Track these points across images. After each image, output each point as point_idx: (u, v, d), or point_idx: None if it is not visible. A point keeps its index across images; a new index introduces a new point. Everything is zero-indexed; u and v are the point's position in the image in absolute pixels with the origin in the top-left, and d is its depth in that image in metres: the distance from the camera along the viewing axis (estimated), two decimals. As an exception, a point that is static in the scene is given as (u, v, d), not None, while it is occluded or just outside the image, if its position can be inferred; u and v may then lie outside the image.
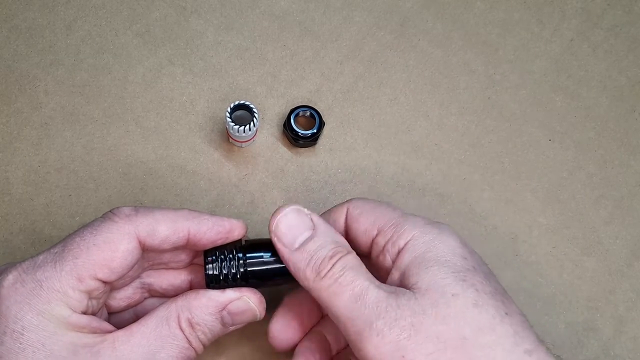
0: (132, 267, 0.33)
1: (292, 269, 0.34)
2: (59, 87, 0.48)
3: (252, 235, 0.44)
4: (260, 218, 0.45)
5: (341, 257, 0.32)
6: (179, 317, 0.33)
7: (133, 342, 0.32)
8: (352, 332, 0.30)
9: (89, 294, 0.32)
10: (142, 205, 0.45)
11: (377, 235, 0.34)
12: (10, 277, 0.31)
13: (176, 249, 0.35)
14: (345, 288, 0.31)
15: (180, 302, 0.34)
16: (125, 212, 0.33)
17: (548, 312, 0.44)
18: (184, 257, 0.38)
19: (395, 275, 0.33)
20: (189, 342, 0.33)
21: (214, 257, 0.35)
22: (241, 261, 0.35)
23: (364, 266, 0.33)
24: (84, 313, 0.32)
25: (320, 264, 0.32)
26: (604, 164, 0.49)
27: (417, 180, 0.47)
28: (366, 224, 0.35)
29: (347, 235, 0.36)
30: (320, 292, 0.32)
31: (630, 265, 0.46)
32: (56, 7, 0.50)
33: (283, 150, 0.48)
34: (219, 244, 0.35)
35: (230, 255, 0.35)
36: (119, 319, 0.37)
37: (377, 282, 0.32)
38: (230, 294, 0.34)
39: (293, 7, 0.52)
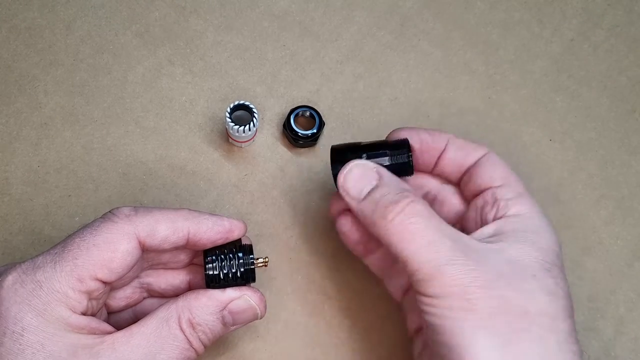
0: (132, 267, 0.33)
1: (361, 219, 0.34)
2: (58, 87, 0.48)
3: (252, 235, 0.44)
4: (260, 218, 0.45)
5: (409, 202, 0.33)
6: (179, 318, 0.33)
7: (133, 343, 0.31)
8: (420, 274, 0.31)
9: (89, 295, 0.32)
10: (141, 205, 0.45)
11: (499, 186, 0.36)
12: (10, 278, 0.31)
13: (176, 249, 0.35)
14: (417, 235, 0.32)
15: (181, 303, 0.33)
16: (125, 212, 0.33)
17: (549, 313, 0.44)
18: (183, 257, 0.38)
19: (489, 230, 0.34)
20: (190, 342, 0.33)
21: (213, 257, 0.35)
22: (241, 261, 0.35)
23: (435, 213, 0.33)
24: (84, 314, 0.32)
25: (386, 208, 0.33)
26: (604, 164, 0.49)
27: (417, 181, 0.47)
28: (495, 173, 0.37)
29: (473, 168, 0.38)
30: (389, 237, 0.33)
31: (631, 265, 0.46)
32: (56, 7, 0.50)
33: (283, 150, 0.47)
34: (219, 244, 0.35)
35: (230, 255, 0.35)
36: (118, 319, 0.37)
37: (450, 231, 0.33)
38: (230, 293, 0.34)
39: (293, 7, 0.52)
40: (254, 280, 0.36)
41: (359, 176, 0.35)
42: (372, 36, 0.52)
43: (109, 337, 0.31)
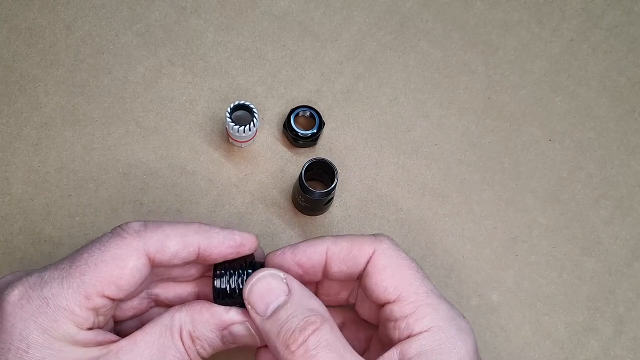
0: (141, 284, 0.33)
1: (265, 339, 0.32)
2: (59, 87, 0.48)
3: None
4: (260, 218, 0.45)
5: (315, 329, 0.30)
6: (181, 329, 0.33)
7: (136, 352, 0.31)
8: None
9: (96, 311, 0.31)
10: (142, 204, 0.45)
11: (394, 301, 0.33)
12: (16, 293, 0.30)
13: (186, 263, 0.34)
14: None
15: (184, 313, 0.33)
16: (135, 227, 0.33)
17: (548, 312, 0.44)
18: (193, 272, 0.37)
19: (394, 356, 0.31)
20: (188, 355, 0.33)
21: (222, 271, 0.35)
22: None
23: (341, 340, 0.31)
24: (90, 328, 0.31)
25: (290, 336, 0.30)
26: (603, 164, 0.49)
27: (417, 180, 0.47)
28: (388, 283, 0.33)
29: (363, 277, 0.34)
30: None
31: (630, 265, 0.46)
32: (56, 7, 0.50)
33: (283, 150, 0.48)
34: (231, 258, 0.35)
35: (240, 271, 0.35)
36: (124, 326, 0.37)
37: None
38: (233, 315, 0.34)
39: (293, 7, 0.52)
40: None
41: (267, 287, 0.33)
42: (372, 36, 0.52)
43: (113, 346, 0.31)
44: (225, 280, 0.34)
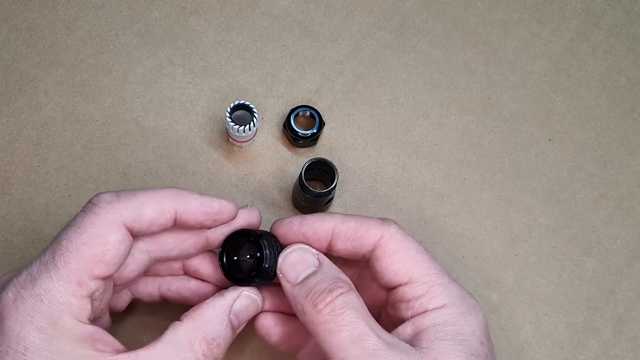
0: (127, 254, 0.32)
1: (293, 303, 0.33)
2: (59, 87, 0.48)
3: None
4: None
5: (342, 292, 0.32)
6: (191, 341, 0.32)
7: None
8: None
9: (92, 296, 0.31)
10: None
11: (406, 284, 0.34)
12: (10, 295, 0.30)
13: (164, 230, 0.34)
14: (344, 327, 0.31)
15: (189, 324, 0.32)
16: (107, 199, 0.32)
17: (548, 312, 0.44)
18: (192, 251, 0.37)
19: (407, 329, 0.33)
20: None
21: (237, 248, 0.35)
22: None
23: (365, 308, 0.32)
24: (89, 319, 0.31)
25: (319, 295, 0.32)
26: (604, 164, 0.49)
27: (417, 180, 0.47)
28: (398, 266, 0.34)
29: (372, 262, 0.35)
30: (316, 326, 0.31)
31: (630, 265, 0.46)
32: (56, 7, 0.50)
33: (283, 150, 0.48)
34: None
35: (273, 243, 0.35)
36: (116, 299, 0.37)
37: (378, 329, 0.32)
38: (231, 293, 0.34)
39: (293, 7, 0.52)
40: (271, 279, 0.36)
41: (299, 260, 0.35)
42: (372, 36, 0.52)
43: (113, 359, 0.30)
44: (244, 255, 0.35)
